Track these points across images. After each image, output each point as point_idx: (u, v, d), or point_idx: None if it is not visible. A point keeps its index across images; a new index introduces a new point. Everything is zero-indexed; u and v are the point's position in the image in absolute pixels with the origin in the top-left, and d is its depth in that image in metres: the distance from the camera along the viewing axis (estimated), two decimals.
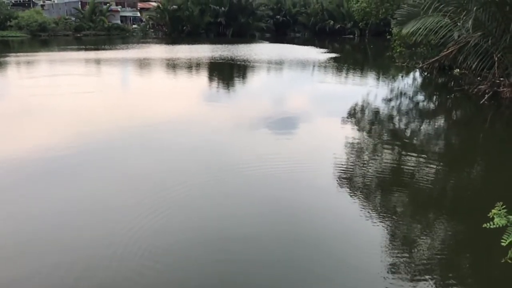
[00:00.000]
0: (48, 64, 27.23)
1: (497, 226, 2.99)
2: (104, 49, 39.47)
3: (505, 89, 14.69)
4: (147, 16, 67.56)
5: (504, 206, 3.10)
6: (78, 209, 6.15)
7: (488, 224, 3.02)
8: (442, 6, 14.39)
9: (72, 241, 5.26)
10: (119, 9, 72.06)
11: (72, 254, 4.95)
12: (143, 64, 27.02)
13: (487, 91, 14.76)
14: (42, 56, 32.07)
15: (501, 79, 15.38)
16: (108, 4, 68.68)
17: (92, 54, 33.77)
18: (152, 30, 66.58)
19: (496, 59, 15.21)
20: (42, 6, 74.30)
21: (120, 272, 4.64)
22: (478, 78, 16.79)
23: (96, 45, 43.42)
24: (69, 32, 61.64)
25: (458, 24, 15.17)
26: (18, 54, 34.06)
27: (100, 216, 5.94)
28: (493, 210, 3.08)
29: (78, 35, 60.86)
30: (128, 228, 5.46)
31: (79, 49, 38.47)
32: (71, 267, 4.72)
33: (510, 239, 2.97)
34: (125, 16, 73.13)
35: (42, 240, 5.33)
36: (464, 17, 14.14)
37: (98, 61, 28.64)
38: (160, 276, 4.59)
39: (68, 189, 6.89)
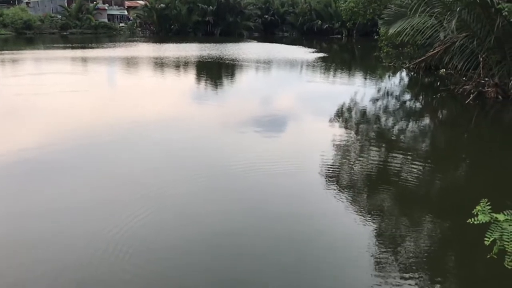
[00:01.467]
0: (34, 63, 26.82)
1: (480, 222, 3.03)
2: (90, 47, 39.00)
3: (489, 89, 14.92)
4: (135, 15, 66.94)
5: (488, 203, 3.14)
6: (63, 208, 6.06)
7: (472, 219, 3.06)
8: (429, 8, 14.55)
9: (56, 240, 5.20)
10: (106, 7, 71.21)
11: (54, 254, 4.90)
12: (130, 63, 26.78)
13: (472, 91, 14.98)
14: (27, 55, 31.54)
15: (486, 79, 15.63)
16: (95, 2, 67.86)
17: (78, 53, 33.33)
18: (139, 29, 65.97)
19: (481, 59, 15.45)
20: (27, 3, 72.98)
21: (101, 271, 4.61)
22: (464, 78, 17.04)
23: (83, 44, 42.83)
24: (55, 30, 60.70)
25: (444, 24, 15.36)
26: (3, 52, 33.43)
27: (85, 215, 5.87)
28: (477, 207, 3.11)
29: (64, 33, 59.96)
30: (113, 227, 5.42)
31: (65, 48, 37.93)
32: (53, 266, 4.66)
33: (494, 237, 3.01)
34: (112, 15, 72.29)
35: (22, 239, 5.24)
36: (449, 18, 14.32)
37: (84, 60, 28.29)
38: (146, 277, 4.57)
39: (52, 188, 6.81)
